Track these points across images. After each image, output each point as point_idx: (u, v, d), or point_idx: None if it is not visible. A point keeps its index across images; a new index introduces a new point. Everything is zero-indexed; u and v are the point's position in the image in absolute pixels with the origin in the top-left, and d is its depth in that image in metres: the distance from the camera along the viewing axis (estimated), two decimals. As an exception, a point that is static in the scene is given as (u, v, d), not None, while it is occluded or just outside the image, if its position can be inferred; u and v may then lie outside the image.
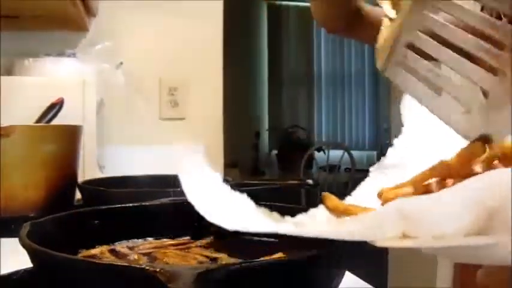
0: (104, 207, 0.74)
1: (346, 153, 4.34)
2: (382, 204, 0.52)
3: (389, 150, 0.83)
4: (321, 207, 0.57)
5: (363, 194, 0.68)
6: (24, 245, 0.51)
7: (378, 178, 0.75)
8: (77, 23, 1.83)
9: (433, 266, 2.74)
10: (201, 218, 0.43)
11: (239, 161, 4.86)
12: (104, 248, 0.66)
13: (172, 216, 0.73)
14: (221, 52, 2.12)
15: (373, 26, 1.01)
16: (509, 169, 0.35)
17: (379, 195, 0.53)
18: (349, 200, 0.60)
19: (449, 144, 0.68)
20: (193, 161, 0.56)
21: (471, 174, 0.45)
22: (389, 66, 0.61)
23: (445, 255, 0.60)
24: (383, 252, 3.19)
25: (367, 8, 1.02)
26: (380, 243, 0.36)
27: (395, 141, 0.91)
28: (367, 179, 0.76)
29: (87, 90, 1.58)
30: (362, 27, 1.03)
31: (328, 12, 1.04)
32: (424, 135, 0.80)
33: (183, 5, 2.07)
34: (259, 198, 0.79)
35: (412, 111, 0.86)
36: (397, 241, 0.36)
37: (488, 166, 0.46)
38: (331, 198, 0.56)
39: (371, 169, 0.84)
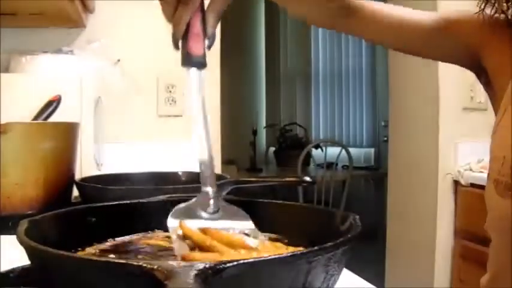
0: (101, 204, 0.74)
1: (343, 151, 4.34)
2: None
3: None
4: None
5: None
6: (21, 242, 0.51)
7: None
8: (74, 20, 1.83)
9: (430, 267, 2.75)
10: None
11: (236, 158, 4.86)
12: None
13: (169, 213, 0.73)
14: (218, 49, 2.12)
15: (364, 21, 1.00)
16: None
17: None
18: None
19: None
20: None
21: None
22: None
23: None
24: (381, 252, 3.20)
25: (368, 5, 1.00)
26: None
27: None
28: None
29: (84, 88, 1.57)
30: (352, 22, 0.99)
31: (311, 12, 1.01)
32: None
33: (181, 2, 2.06)
34: (256, 195, 0.79)
35: None
36: None
37: None
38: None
39: None
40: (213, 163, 0.70)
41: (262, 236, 0.68)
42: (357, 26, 1.01)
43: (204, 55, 0.71)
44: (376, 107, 6.20)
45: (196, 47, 0.71)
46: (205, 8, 0.73)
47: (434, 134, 2.62)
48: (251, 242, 0.62)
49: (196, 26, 0.71)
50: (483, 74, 0.99)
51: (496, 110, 0.94)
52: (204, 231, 0.64)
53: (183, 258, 0.55)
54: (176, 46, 0.72)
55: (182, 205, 0.69)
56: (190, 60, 0.71)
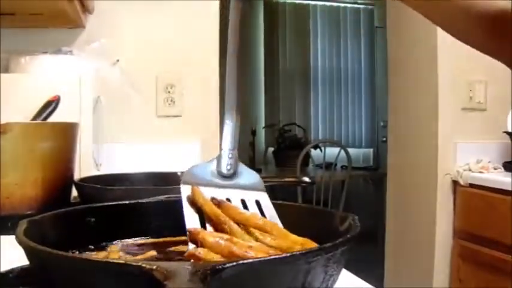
0: (100, 204, 0.74)
1: (342, 151, 4.34)
2: None
3: None
4: None
5: None
6: (20, 243, 0.51)
7: None
8: (74, 21, 1.83)
9: (430, 267, 2.76)
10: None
11: (236, 159, 4.84)
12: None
13: (168, 213, 0.73)
14: (217, 50, 2.12)
15: None
16: None
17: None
18: None
19: None
20: None
21: None
22: None
23: None
24: (381, 252, 3.20)
25: None
26: None
27: None
28: None
29: (83, 88, 1.57)
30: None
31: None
32: None
33: (180, 3, 2.06)
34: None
35: None
36: None
37: None
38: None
39: None
40: (238, 123, 0.68)
41: (275, 215, 0.67)
42: None
43: None
44: (375, 107, 6.21)
45: None
46: None
47: (434, 134, 2.63)
48: (265, 223, 0.61)
49: None
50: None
51: None
52: (218, 203, 0.62)
53: (189, 256, 0.54)
54: None
55: (198, 165, 0.67)
56: None
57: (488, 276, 2.34)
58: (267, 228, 0.61)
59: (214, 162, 0.68)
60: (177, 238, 0.70)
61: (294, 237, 0.61)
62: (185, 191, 0.64)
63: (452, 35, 0.91)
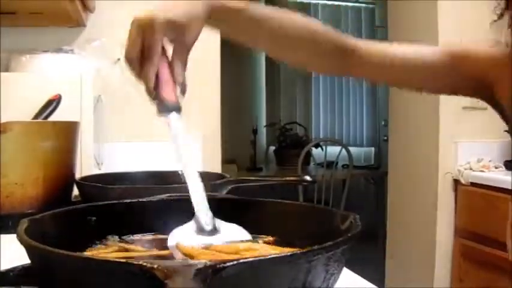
0: (101, 203, 0.74)
1: (343, 150, 4.34)
2: None
3: None
4: None
5: None
6: (21, 241, 0.51)
7: None
8: (74, 19, 1.83)
9: (431, 266, 2.76)
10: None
11: (237, 158, 4.85)
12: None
13: (170, 212, 0.73)
14: (218, 48, 2.12)
15: (371, 59, 0.99)
16: None
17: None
18: None
19: None
20: None
21: None
22: None
23: None
24: (382, 251, 3.20)
25: (365, 45, 0.99)
26: None
27: None
28: None
29: (84, 87, 1.57)
30: (354, 66, 0.99)
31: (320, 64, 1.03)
32: None
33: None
34: (256, 194, 0.79)
35: None
36: None
37: None
38: None
39: None
40: (204, 191, 0.69)
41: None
42: (357, 67, 1.00)
43: (178, 100, 0.75)
44: (376, 106, 6.20)
45: (167, 93, 0.74)
46: (170, 58, 0.76)
47: (435, 133, 2.63)
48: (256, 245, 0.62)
49: (165, 74, 0.75)
50: (497, 107, 0.98)
51: None
52: (206, 248, 0.63)
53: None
54: (153, 98, 0.75)
55: (177, 229, 0.68)
56: (165, 107, 0.74)
57: (489, 275, 2.34)
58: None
59: (193, 223, 0.69)
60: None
61: None
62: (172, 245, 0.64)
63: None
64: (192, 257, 0.59)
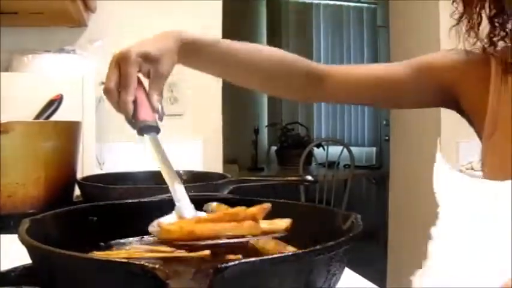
0: (102, 203, 0.74)
1: (345, 150, 4.33)
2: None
3: (430, 247, 0.90)
4: None
5: None
6: (23, 241, 0.51)
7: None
8: (76, 20, 1.83)
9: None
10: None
11: (238, 157, 4.85)
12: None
13: (171, 212, 0.73)
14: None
15: (335, 85, 1.02)
16: None
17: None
18: None
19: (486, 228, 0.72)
20: None
21: None
22: None
23: None
24: (383, 251, 3.20)
25: (321, 68, 1.03)
26: None
27: (433, 231, 0.96)
28: None
29: (86, 87, 1.57)
30: (321, 89, 1.03)
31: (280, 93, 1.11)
32: (462, 220, 0.83)
33: (183, 2, 2.06)
34: (258, 194, 0.79)
35: (447, 194, 0.91)
36: None
37: None
38: None
39: (413, 278, 0.90)
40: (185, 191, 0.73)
41: None
42: (330, 91, 1.04)
43: (156, 121, 0.80)
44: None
45: (145, 113, 0.79)
46: (146, 87, 0.83)
47: (436, 132, 2.62)
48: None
49: (141, 99, 0.80)
50: (465, 116, 1.00)
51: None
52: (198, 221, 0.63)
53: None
54: (133, 127, 0.79)
55: (161, 218, 0.68)
56: (144, 127, 0.78)
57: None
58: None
59: (174, 214, 0.70)
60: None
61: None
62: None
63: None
64: (176, 235, 0.60)
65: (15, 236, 0.54)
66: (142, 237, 0.72)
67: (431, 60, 1.01)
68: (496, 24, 0.90)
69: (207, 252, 0.55)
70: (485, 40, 0.91)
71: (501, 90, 0.89)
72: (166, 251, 0.64)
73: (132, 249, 0.66)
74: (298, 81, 1.02)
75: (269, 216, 0.73)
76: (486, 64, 0.92)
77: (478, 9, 0.91)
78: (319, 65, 1.04)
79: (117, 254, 0.64)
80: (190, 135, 2.07)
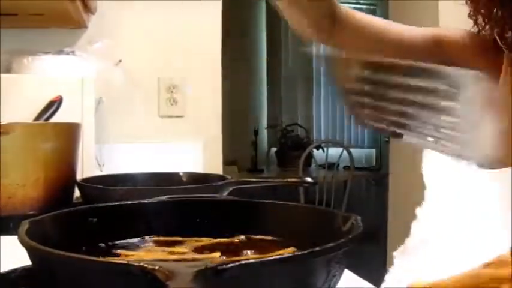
0: (102, 204, 0.74)
1: (345, 151, 4.33)
2: None
3: (414, 226, 0.90)
4: None
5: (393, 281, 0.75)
6: (22, 243, 0.51)
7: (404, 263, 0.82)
8: (76, 21, 1.83)
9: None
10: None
11: (238, 159, 4.85)
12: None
13: (171, 213, 0.73)
14: (220, 50, 2.12)
15: (356, 31, 1.02)
16: None
17: None
18: None
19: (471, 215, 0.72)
20: None
21: None
22: None
23: None
24: (383, 252, 3.20)
25: (347, 11, 1.02)
26: None
27: (418, 212, 0.97)
28: (395, 265, 0.82)
29: (85, 88, 1.57)
30: (342, 32, 1.03)
31: (302, 19, 1.09)
32: (447, 203, 0.84)
33: (183, 3, 2.06)
34: (257, 196, 0.79)
35: (435, 177, 0.91)
36: None
37: None
38: None
39: (395, 254, 0.89)
40: None
41: None
42: (347, 37, 1.03)
43: None
44: (377, 108, 6.18)
45: None
46: None
47: (436, 134, 2.62)
48: None
49: None
50: None
51: None
52: None
53: None
54: None
55: None
56: None
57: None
58: None
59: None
60: (179, 238, 0.70)
61: None
62: None
63: None
64: None
65: (15, 238, 0.54)
66: (143, 238, 0.72)
67: (446, 34, 1.01)
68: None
69: (217, 254, 0.55)
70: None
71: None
72: (179, 251, 0.64)
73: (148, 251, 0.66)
74: (316, 15, 1.03)
75: (269, 216, 0.73)
76: (498, 54, 0.92)
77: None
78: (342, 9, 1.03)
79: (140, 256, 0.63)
80: (191, 136, 2.07)
